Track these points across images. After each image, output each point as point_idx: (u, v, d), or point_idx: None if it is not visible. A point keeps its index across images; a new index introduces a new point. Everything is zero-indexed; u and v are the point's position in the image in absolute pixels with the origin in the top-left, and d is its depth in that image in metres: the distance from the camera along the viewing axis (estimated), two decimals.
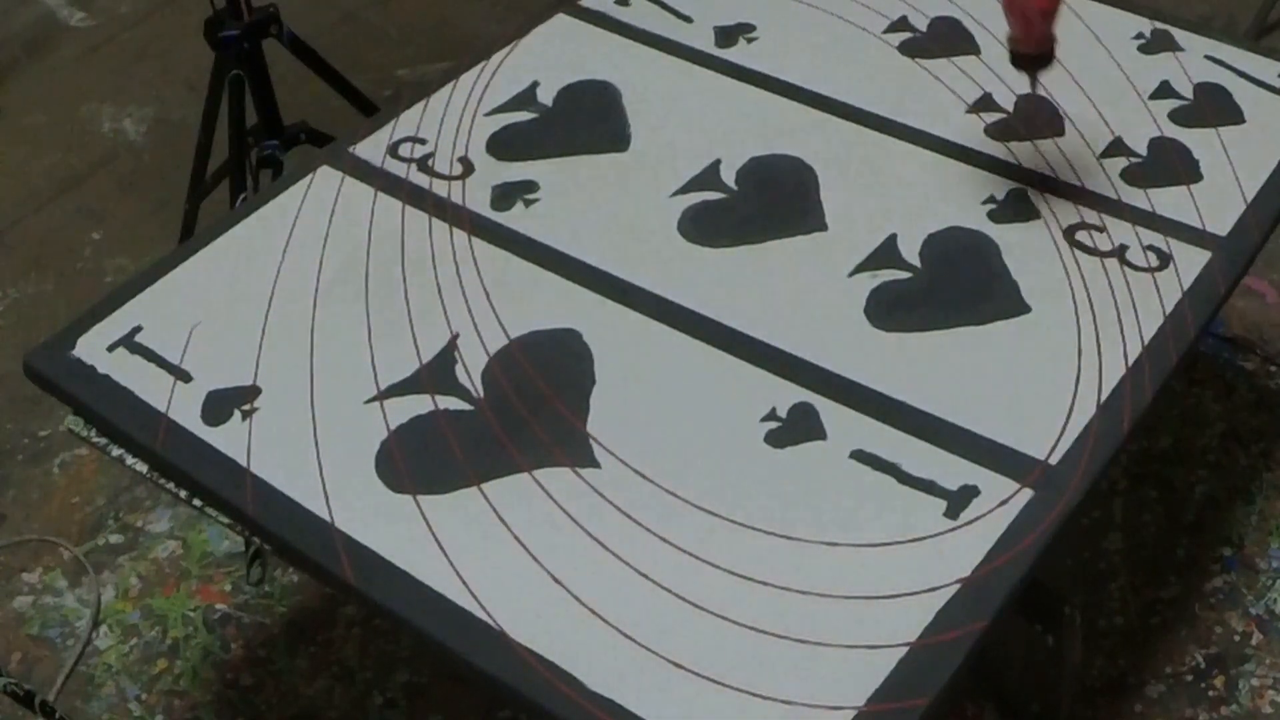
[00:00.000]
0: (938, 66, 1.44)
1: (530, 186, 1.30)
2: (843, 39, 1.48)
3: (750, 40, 1.48)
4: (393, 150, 1.35)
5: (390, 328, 1.16)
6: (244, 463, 1.05)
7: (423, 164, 1.33)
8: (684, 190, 1.29)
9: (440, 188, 1.30)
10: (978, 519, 1.00)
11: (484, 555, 0.98)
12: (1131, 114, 1.37)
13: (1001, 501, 1.01)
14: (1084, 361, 1.12)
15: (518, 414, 1.08)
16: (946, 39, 1.48)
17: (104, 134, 2.40)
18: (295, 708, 1.52)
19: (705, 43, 1.48)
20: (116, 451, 1.12)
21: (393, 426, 1.08)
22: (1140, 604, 1.56)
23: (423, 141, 1.36)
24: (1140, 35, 1.48)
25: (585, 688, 0.90)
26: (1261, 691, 1.47)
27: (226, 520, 1.07)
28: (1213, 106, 1.38)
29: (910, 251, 1.22)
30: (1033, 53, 1.23)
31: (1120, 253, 1.22)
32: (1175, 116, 1.37)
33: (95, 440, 1.13)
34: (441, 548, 0.99)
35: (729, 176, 1.30)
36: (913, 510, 1.01)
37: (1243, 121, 1.36)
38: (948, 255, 1.22)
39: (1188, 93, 1.40)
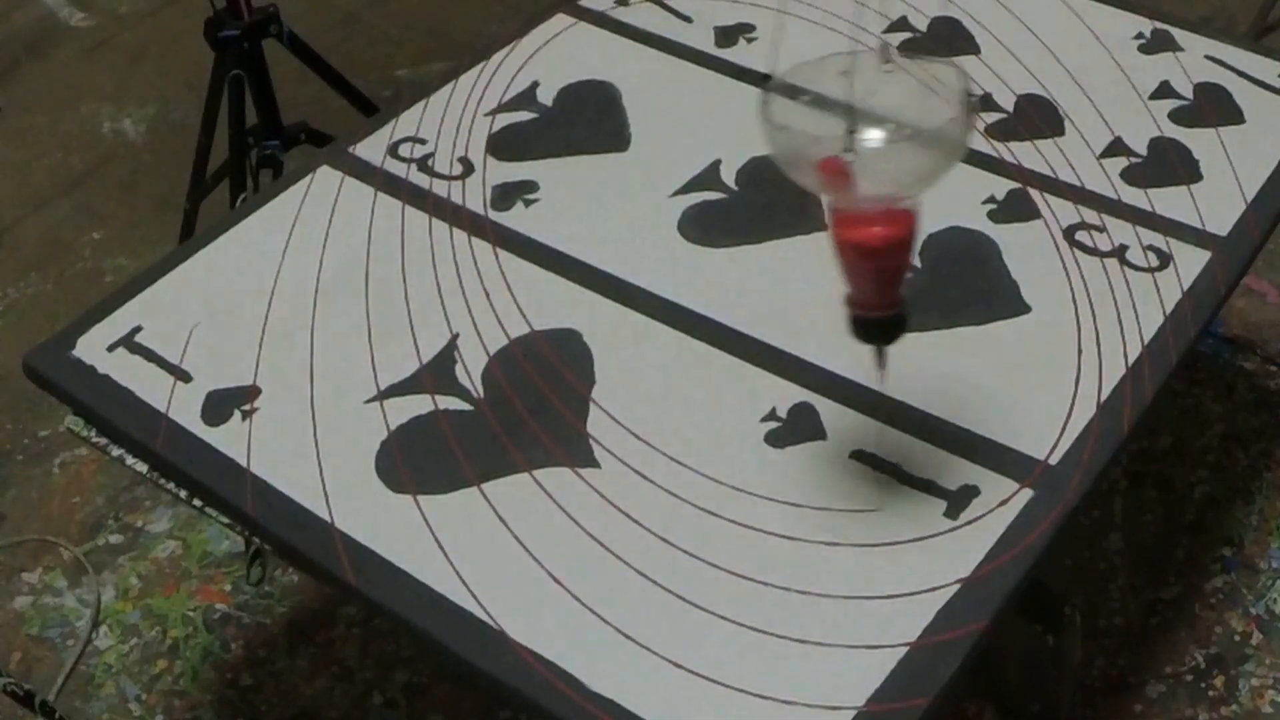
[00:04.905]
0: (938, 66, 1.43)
1: (530, 186, 1.30)
2: (842, 39, 1.48)
3: (750, 40, 1.48)
4: (393, 150, 1.35)
5: (390, 328, 1.16)
6: (244, 463, 1.05)
7: (423, 164, 1.33)
8: (684, 190, 1.29)
9: (440, 188, 1.30)
10: (978, 519, 1.00)
11: (484, 555, 0.98)
12: (1131, 114, 1.37)
13: (1001, 501, 1.01)
14: (1084, 361, 1.12)
15: (518, 414, 1.08)
16: (946, 39, 1.48)
17: (104, 134, 2.40)
18: (295, 708, 1.52)
19: (705, 43, 1.48)
20: (116, 451, 1.12)
21: (393, 426, 1.08)
22: (1140, 604, 1.56)
23: (423, 141, 1.36)
24: (1140, 35, 1.48)
25: (585, 688, 0.90)
26: (1261, 691, 1.47)
27: (226, 520, 1.07)
28: (1213, 106, 1.38)
29: None
30: (882, 316, 0.88)
31: (1120, 253, 1.22)
32: (1175, 116, 1.37)
33: (95, 440, 1.13)
34: (441, 548, 0.99)
35: (729, 176, 1.30)
36: (913, 510, 1.01)
37: (1243, 121, 1.36)
38: (948, 255, 1.22)
39: (1188, 93, 1.40)
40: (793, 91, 0.84)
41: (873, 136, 0.81)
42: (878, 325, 0.88)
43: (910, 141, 0.82)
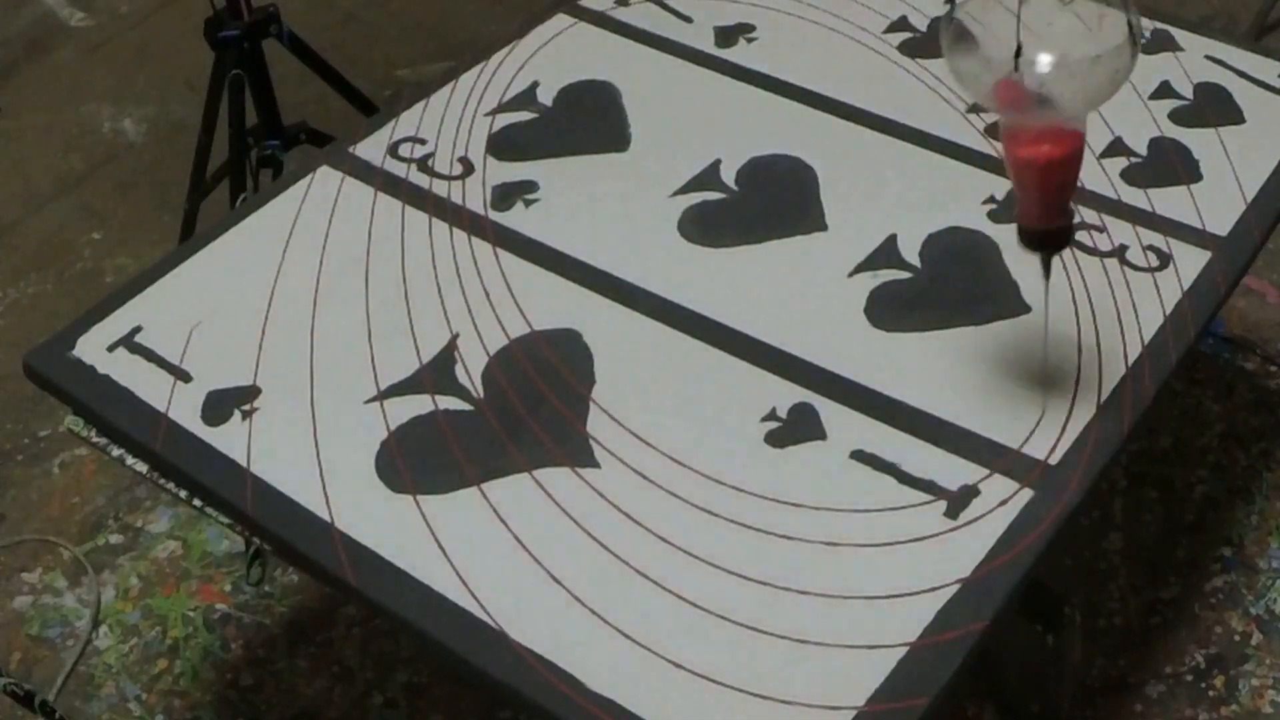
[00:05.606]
0: (938, 66, 1.44)
1: (530, 186, 1.30)
2: (842, 39, 1.48)
3: (750, 40, 1.48)
4: (393, 150, 1.35)
5: (390, 328, 1.16)
6: (244, 463, 1.05)
7: (423, 164, 1.33)
8: (684, 190, 1.29)
9: (440, 188, 1.30)
10: (978, 519, 1.00)
11: (484, 555, 0.98)
12: (1131, 114, 1.37)
13: (1001, 501, 1.01)
14: (1084, 361, 1.12)
15: (518, 414, 1.08)
16: None
17: (104, 134, 2.40)
18: (295, 708, 1.52)
19: (705, 43, 1.48)
20: (116, 451, 1.12)
21: (393, 426, 1.08)
22: (1140, 604, 1.56)
23: (423, 141, 1.36)
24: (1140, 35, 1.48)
25: (585, 688, 0.90)
26: (1261, 691, 1.47)
27: (226, 520, 1.07)
28: (1213, 106, 1.38)
29: (910, 251, 1.22)
30: (1049, 228, 0.96)
31: (1120, 253, 1.22)
32: (1175, 116, 1.37)
33: (95, 440, 1.13)
34: (441, 548, 0.99)
35: (729, 176, 1.30)
36: (913, 510, 1.01)
37: (1243, 121, 1.36)
38: (948, 255, 1.22)
39: (1188, 93, 1.40)
40: (973, 17, 0.92)
41: (1045, 61, 0.90)
42: (1045, 235, 0.97)
43: (1079, 65, 0.90)
